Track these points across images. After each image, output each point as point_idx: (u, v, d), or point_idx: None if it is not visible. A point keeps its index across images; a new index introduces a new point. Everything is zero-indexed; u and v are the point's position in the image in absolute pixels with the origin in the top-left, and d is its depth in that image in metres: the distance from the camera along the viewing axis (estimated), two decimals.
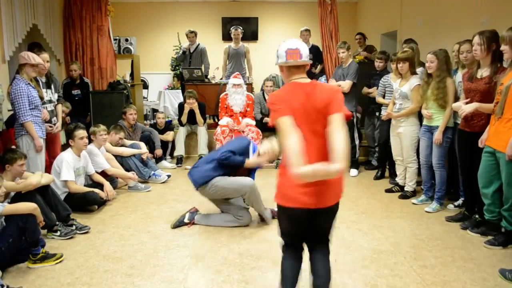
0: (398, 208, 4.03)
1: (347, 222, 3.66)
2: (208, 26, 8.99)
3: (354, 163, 5.37)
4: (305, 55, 2.03)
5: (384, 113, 4.68)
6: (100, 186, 4.18)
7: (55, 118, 4.34)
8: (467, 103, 3.31)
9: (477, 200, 3.35)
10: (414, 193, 4.32)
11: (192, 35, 6.76)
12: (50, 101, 4.26)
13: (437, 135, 3.78)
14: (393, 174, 4.82)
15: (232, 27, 6.80)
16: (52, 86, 4.35)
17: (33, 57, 3.76)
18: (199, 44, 6.86)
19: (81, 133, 4.00)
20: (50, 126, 4.17)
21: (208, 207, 3.78)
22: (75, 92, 5.71)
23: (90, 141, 4.54)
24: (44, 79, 4.24)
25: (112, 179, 4.49)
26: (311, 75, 6.77)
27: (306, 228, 2.08)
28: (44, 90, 4.17)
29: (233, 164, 3.47)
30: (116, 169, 4.61)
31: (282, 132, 1.87)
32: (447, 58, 3.78)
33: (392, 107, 4.40)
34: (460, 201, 3.96)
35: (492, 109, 3.06)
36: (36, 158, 3.79)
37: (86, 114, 5.81)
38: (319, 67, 6.85)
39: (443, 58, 3.74)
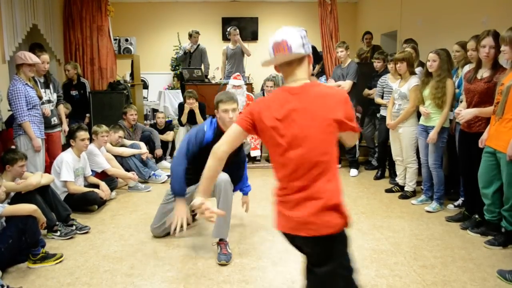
0: (398, 208, 4.03)
1: None
2: (208, 26, 8.98)
3: (354, 163, 5.37)
4: (296, 46, 1.60)
5: (383, 113, 4.73)
6: (97, 186, 4.15)
7: (55, 118, 4.34)
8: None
9: (477, 200, 3.35)
10: (414, 193, 4.32)
11: (197, 35, 6.77)
12: (49, 101, 4.26)
13: (432, 135, 3.77)
14: (393, 174, 4.82)
15: (229, 27, 6.79)
16: (51, 86, 4.35)
17: (29, 57, 3.74)
18: (199, 44, 6.86)
19: (83, 134, 3.98)
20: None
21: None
22: (73, 93, 5.71)
23: (91, 140, 4.53)
24: (42, 79, 4.24)
25: (112, 179, 4.48)
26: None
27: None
28: (42, 90, 4.16)
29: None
30: (116, 169, 4.60)
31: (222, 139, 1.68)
32: (449, 58, 3.78)
33: (391, 107, 4.40)
34: (460, 201, 3.96)
35: (492, 112, 3.06)
36: (34, 158, 3.79)
37: (84, 115, 5.80)
38: (316, 67, 6.84)
39: (445, 58, 3.73)
